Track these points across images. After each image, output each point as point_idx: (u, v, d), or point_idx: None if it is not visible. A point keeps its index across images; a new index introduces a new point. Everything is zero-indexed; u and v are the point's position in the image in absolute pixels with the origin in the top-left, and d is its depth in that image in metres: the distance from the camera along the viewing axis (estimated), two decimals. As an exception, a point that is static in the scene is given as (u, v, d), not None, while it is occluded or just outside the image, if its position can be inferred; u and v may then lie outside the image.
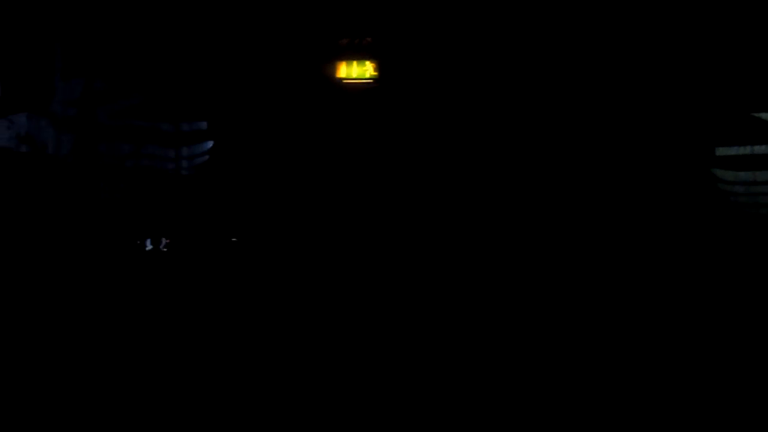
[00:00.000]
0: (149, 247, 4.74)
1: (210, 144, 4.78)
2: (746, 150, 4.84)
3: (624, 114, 4.84)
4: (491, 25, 4.73)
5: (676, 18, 4.70)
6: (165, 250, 4.75)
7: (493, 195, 4.81)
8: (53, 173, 4.69)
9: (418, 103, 4.82)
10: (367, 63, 4.79)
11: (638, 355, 2.94)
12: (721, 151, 4.87)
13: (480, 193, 4.81)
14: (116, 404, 2.13)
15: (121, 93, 4.84)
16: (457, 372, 2.59)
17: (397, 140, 4.84)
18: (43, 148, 4.78)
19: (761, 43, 4.66)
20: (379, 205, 4.81)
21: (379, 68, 4.78)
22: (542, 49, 4.78)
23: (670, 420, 2.05)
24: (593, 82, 4.81)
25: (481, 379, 2.50)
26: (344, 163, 4.80)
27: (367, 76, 4.79)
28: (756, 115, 4.81)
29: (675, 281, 4.51)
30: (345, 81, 4.80)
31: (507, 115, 4.82)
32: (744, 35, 4.67)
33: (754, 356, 2.87)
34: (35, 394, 2.21)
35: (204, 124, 4.80)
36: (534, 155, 4.85)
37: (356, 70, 4.80)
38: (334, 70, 4.79)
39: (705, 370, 2.66)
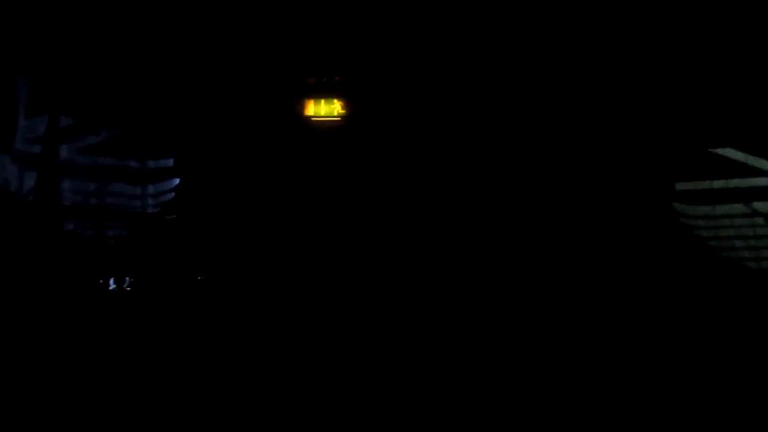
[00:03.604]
0: (112, 286, 4.65)
1: (176, 181, 4.75)
2: (705, 185, 4.99)
3: (585, 150, 4.95)
4: (461, 65, 4.83)
5: (638, 51, 4.87)
6: (129, 289, 4.66)
7: (466, 233, 4.85)
8: (14, 211, 4.59)
9: (385, 141, 4.87)
10: (335, 101, 4.84)
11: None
12: (681, 186, 5.01)
13: (452, 231, 4.85)
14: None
15: (86, 129, 4.80)
16: (457, 373, 2.58)
17: (366, 178, 4.87)
18: (5, 185, 4.69)
19: (719, 80, 4.84)
20: (348, 243, 4.80)
21: (347, 106, 4.83)
22: (510, 88, 4.89)
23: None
24: (558, 120, 4.93)
25: (482, 380, 2.48)
26: (312, 200, 4.81)
27: (335, 114, 4.84)
28: (713, 150, 4.97)
29: (634, 312, 4.57)
30: (313, 119, 4.84)
31: (476, 154, 4.89)
32: (705, 72, 4.85)
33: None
34: None
35: (170, 162, 4.77)
36: (507, 191, 4.92)
37: (324, 108, 4.84)
38: (302, 107, 4.83)
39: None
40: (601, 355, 3.86)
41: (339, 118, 4.84)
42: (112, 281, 4.62)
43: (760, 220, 4.85)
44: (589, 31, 4.76)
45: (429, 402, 2.44)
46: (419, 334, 4.20)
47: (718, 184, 4.93)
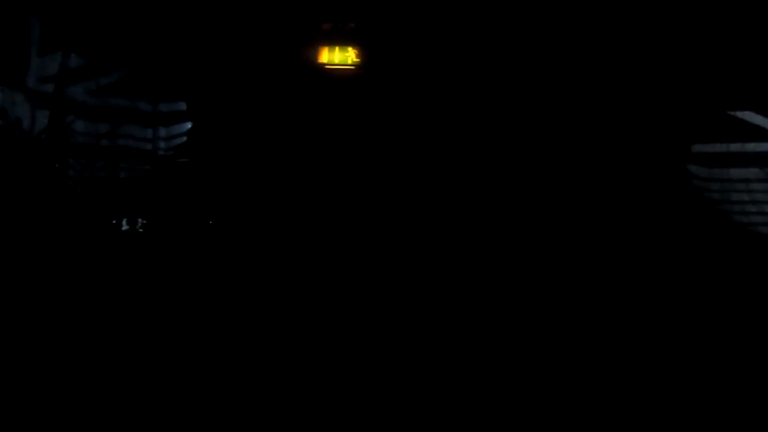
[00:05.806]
0: (125, 227, 4.70)
1: (188, 125, 4.73)
2: (722, 148, 4.91)
3: (602, 112, 4.88)
4: (476, 13, 4.72)
5: (656, 18, 4.73)
6: (141, 230, 4.71)
7: (476, 188, 4.83)
8: (26, 149, 4.61)
9: (399, 91, 4.80)
10: (350, 49, 4.75)
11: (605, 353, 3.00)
12: (698, 148, 4.94)
13: (463, 186, 4.84)
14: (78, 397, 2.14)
15: (98, 70, 4.76)
16: (456, 372, 2.61)
17: (378, 127, 4.83)
18: (17, 123, 4.69)
19: (739, 44, 4.71)
20: (358, 194, 4.81)
21: (362, 55, 4.75)
22: (525, 46, 4.78)
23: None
24: (571, 75, 4.83)
25: (480, 380, 2.51)
26: (323, 148, 4.79)
27: (349, 62, 4.76)
28: (732, 113, 4.88)
29: (647, 276, 4.59)
30: (326, 66, 4.77)
31: (490, 104, 4.83)
32: (723, 36, 4.72)
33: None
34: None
35: (183, 105, 4.75)
36: (516, 150, 4.88)
37: (338, 56, 4.76)
38: (315, 54, 4.76)
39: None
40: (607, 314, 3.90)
41: (353, 67, 4.77)
42: (125, 222, 4.67)
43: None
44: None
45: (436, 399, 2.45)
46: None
47: (734, 147, 4.86)
